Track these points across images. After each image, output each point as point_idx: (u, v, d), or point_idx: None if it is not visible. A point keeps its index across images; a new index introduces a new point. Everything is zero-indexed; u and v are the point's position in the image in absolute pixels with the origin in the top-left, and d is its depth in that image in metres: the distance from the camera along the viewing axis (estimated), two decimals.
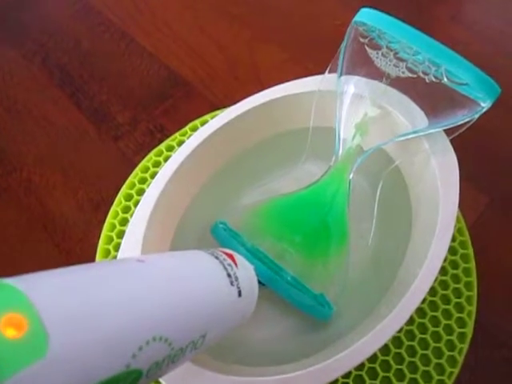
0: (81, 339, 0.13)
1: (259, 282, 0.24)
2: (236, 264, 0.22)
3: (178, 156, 0.33)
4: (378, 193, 0.33)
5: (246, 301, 0.21)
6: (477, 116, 0.30)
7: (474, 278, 0.33)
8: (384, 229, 0.34)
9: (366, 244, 0.34)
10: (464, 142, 0.31)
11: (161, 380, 0.24)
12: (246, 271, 0.22)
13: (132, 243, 0.29)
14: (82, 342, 0.13)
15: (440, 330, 0.32)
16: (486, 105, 0.29)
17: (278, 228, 0.33)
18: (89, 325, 0.14)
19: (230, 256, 0.22)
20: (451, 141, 0.31)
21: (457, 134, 0.31)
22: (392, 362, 0.31)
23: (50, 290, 0.13)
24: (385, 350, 0.31)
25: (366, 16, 0.30)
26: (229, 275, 0.21)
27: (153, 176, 0.39)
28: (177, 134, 0.42)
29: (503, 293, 0.36)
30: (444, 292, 0.33)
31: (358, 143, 0.32)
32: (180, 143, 0.41)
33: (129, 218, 0.38)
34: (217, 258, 0.21)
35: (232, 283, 0.20)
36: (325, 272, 0.33)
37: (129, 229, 0.30)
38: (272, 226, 0.34)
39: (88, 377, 0.13)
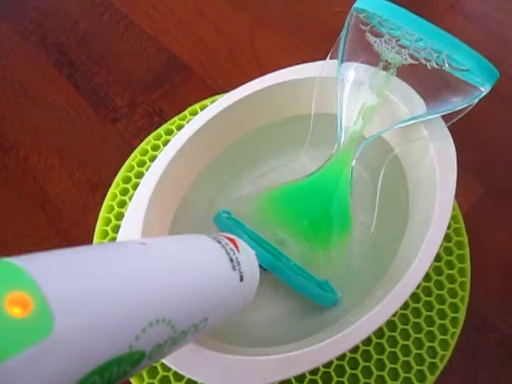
0: (85, 320, 0.13)
1: (261, 268, 0.25)
2: (238, 249, 0.22)
3: (178, 140, 0.33)
4: (380, 181, 0.33)
5: (248, 285, 0.22)
6: (476, 101, 0.30)
7: (467, 265, 0.34)
8: (382, 216, 0.34)
9: (368, 231, 0.35)
10: (459, 131, 0.32)
11: None
12: (248, 256, 0.22)
13: (132, 226, 0.29)
14: (87, 322, 0.13)
15: (433, 314, 0.32)
16: (485, 89, 0.29)
17: (281, 216, 0.34)
18: (93, 306, 0.14)
19: (232, 241, 0.22)
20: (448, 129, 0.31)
21: (455, 120, 0.31)
22: (386, 345, 0.32)
23: (54, 270, 0.13)
24: (379, 333, 0.32)
25: (366, 2, 0.30)
26: (231, 260, 0.21)
27: (151, 159, 0.39)
28: (176, 118, 0.42)
29: (495, 279, 0.37)
30: (438, 278, 0.34)
31: (360, 131, 0.32)
32: (179, 127, 0.41)
33: (127, 200, 0.38)
34: (219, 242, 0.21)
35: (234, 268, 0.21)
36: (328, 259, 0.33)
37: (128, 211, 0.30)
38: (275, 214, 0.34)
39: (91, 357, 0.13)
